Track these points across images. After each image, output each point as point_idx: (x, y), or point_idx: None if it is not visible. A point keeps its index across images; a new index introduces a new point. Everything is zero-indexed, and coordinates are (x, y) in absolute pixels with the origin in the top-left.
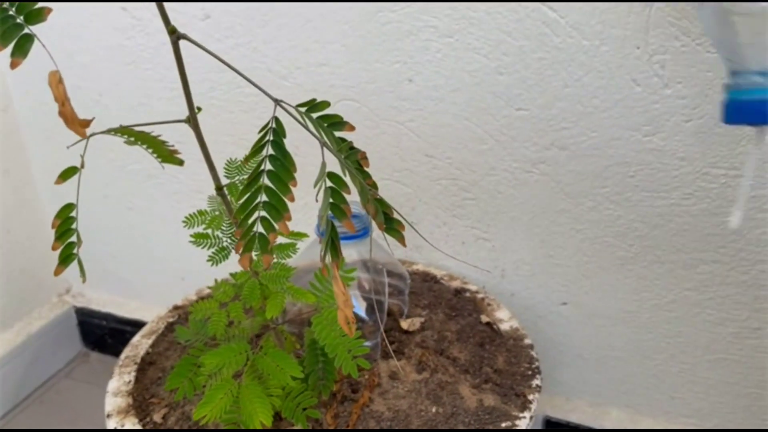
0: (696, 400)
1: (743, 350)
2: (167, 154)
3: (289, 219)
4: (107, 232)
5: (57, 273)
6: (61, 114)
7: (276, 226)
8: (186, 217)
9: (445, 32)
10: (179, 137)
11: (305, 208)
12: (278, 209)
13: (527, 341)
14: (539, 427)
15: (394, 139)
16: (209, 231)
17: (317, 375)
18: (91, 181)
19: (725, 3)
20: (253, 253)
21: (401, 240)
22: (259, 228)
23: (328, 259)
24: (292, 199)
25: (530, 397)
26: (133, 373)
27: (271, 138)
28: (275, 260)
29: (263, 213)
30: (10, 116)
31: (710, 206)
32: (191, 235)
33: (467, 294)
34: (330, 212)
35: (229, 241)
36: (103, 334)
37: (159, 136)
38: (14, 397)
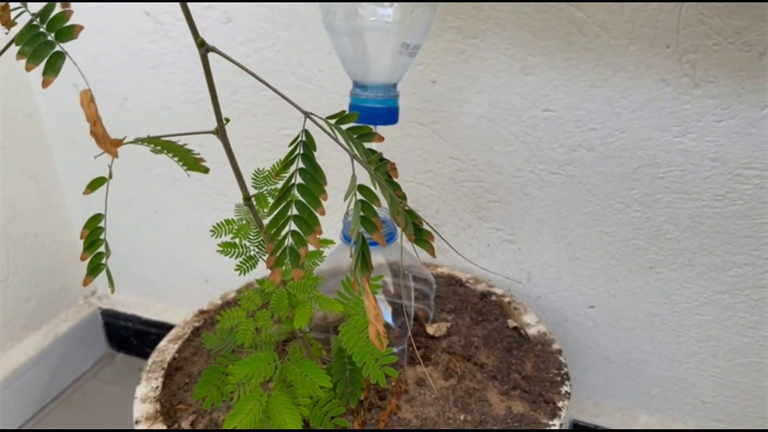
0: (727, 404)
1: None
2: (193, 162)
3: (320, 233)
4: (132, 235)
5: (86, 283)
6: (93, 133)
7: (307, 240)
8: (213, 227)
9: (469, 33)
10: (202, 140)
11: (327, 211)
12: (309, 223)
13: (555, 346)
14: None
15: (417, 141)
16: (236, 240)
17: (345, 383)
18: (117, 184)
19: (326, 19)
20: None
21: (431, 251)
22: (289, 242)
23: (358, 272)
24: (323, 213)
25: (560, 404)
26: (161, 379)
27: (302, 151)
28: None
29: (294, 227)
30: (36, 121)
31: (743, 208)
32: (219, 245)
33: (493, 297)
34: (361, 226)
35: (256, 250)
36: (129, 335)
37: (186, 145)
38: (43, 399)
